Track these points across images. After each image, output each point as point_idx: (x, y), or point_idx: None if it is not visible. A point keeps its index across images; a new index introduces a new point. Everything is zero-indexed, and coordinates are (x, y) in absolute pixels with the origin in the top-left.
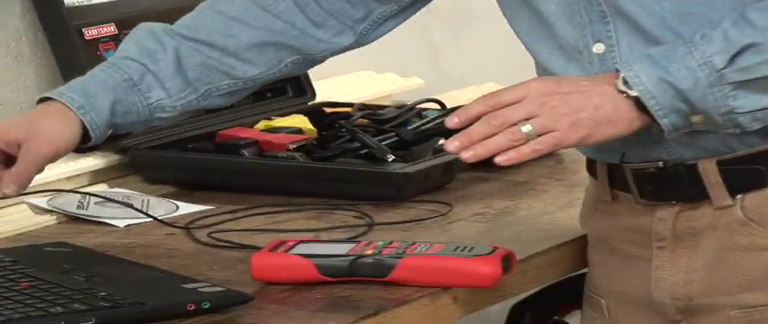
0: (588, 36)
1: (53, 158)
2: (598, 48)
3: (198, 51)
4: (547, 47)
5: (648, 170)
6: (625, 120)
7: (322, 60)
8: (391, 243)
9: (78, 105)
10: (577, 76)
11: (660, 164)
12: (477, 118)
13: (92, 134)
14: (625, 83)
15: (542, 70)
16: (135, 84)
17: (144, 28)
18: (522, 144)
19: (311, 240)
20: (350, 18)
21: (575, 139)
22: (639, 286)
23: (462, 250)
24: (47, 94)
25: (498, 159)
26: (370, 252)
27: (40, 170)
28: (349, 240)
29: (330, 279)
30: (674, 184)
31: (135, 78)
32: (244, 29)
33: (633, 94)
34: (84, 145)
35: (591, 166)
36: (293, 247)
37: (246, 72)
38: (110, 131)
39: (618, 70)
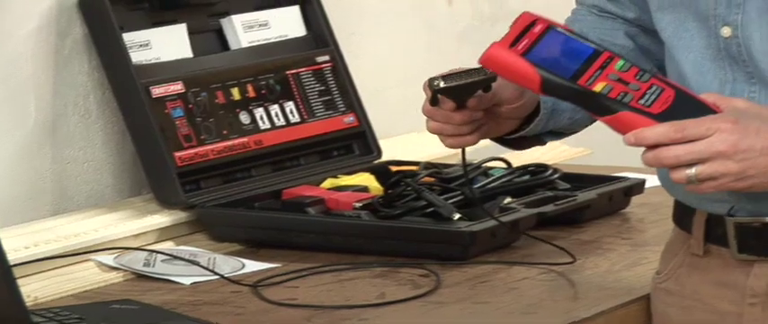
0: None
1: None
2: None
3: None
4: None
5: (753, 225)
6: None
7: None
8: None
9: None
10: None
11: (766, 219)
12: (654, 146)
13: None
14: None
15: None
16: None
17: None
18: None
19: None
20: None
21: (739, 187)
22: None
23: None
24: None
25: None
26: None
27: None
28: None
29: None
30: None
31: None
32: None
33: None
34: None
35: (684, 219)
36: None
37: None
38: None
39: None
